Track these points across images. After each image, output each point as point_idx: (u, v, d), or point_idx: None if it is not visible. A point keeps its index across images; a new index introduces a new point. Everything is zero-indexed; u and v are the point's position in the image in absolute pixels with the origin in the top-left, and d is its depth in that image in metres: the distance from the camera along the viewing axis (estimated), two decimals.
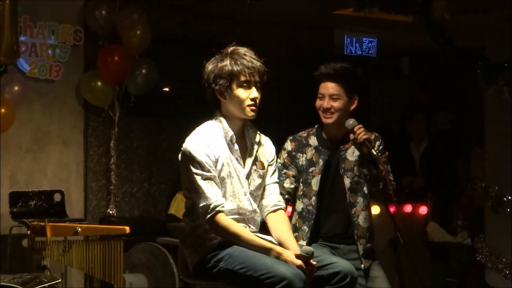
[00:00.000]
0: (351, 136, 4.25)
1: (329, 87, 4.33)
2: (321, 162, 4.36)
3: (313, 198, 4.34)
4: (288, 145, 4.44)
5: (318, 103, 4.36)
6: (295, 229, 4.29)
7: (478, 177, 6.12)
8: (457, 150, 8.29)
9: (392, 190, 4.22)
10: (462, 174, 7.92)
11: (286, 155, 4.42)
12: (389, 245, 4.03)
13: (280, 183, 4.28)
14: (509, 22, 5.65)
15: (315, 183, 4.35)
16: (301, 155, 4.40)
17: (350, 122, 4.28)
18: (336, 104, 4.31)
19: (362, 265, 4.32)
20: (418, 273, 4.23)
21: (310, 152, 4.39)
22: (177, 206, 7.15)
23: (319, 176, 4.35)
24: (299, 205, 4.40)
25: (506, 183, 5.80)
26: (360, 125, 4.25)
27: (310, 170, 4.37)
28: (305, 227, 4.35)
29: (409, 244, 4.09)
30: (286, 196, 4.31)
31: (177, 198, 7.16)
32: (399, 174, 6.39)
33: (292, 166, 4.40)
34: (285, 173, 4.37)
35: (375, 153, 4.19)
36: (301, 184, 4.40)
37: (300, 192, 4.40)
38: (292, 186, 4.38)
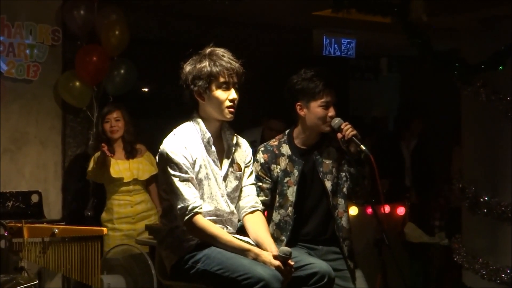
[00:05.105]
0: (339, 135, 4.20)
1: (333, 95, 4.25)
2: (296, 172, 4.30)
3: (290, 208, 4.30)
4: (261, 157, 4.35)
5: (322, 112, 4.23)
6: (273, 239, 4.12)
7: (456, 177, 6.14)
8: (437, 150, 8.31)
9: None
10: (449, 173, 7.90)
11: (260, 167, 4.33)
12: (374, 246, 4.03)
13: None
14: (484, 24, 5.69)
15: (291, 193, 4.30)
16: (275, 166, 4.33)
17: (336, 121, 4.22)
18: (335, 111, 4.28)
19: (350, 266, 4.30)
20: (403, 273, 4.23)
21: (283, 162, 4.33)
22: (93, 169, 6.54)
23: (295, 187, 4.29)
24: (276, 216, 4.34)
25: (482, 184, 5.82)
26: (347, 122, 4.21)
27: (285, 180, 4.32)
28: (283, 237, 4.31)
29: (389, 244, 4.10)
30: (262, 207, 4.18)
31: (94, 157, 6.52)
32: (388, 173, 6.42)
33: (267, 178, 4.33)
34: (259, 187, 4.29)
35: (364, 148, 4.13)
36: (277, 195, 4.34)
37: (276, 204, 4.34)
38: (267, 198, 4.33)
